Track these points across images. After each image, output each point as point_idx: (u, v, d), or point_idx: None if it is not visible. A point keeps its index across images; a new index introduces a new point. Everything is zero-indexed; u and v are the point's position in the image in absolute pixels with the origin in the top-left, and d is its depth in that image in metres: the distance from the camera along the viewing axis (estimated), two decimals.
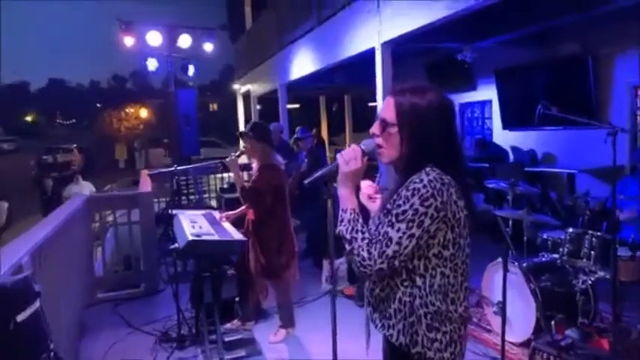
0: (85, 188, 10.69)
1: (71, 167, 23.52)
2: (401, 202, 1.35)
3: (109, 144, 30.84)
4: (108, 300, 4.78)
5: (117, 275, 5.25)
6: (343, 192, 1.43)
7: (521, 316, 3.28)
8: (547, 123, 5.43)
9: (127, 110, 36.16)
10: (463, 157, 1.47)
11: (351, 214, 1.41)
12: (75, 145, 28.07)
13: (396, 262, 1.35)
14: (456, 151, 1.44)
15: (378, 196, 1.66)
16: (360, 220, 1.41)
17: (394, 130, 1.40)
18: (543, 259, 3.58)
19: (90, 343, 3.84)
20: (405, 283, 1.41)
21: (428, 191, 1.33)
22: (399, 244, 1.34)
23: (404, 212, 1.34)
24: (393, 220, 1.35)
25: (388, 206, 1.41)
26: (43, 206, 12.00)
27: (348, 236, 1.39)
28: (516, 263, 3.21)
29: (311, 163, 5.61)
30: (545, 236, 3.74)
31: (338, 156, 1.43)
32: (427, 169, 1.38)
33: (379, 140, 1.43)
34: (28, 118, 68.01)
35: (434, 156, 1.39)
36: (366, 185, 1.67)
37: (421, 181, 1.34)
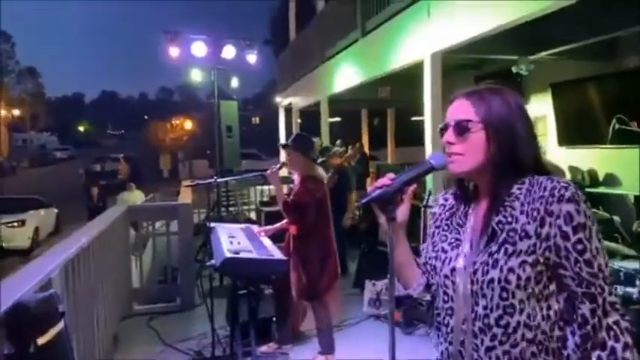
0: (138, 197, 10.93)
1: (118, 176, 24.41)
2: (559, 221, 1.05)
3: (155, 154, 31.82)
4: (144, 313, 4.69)
5: (154, 288, 5.18)
6: None
7: None
8: (614, 141, 4.98)
9: (172, 122, 37.33)
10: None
11: None
12: (122, 155, 29.19)
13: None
14: (542, 158, 1.18)
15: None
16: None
17: (477, 129, 1.14)
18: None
19: (122, 359, 3.73)
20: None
21: (577, 193, 1.06)
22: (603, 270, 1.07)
23: (584, 227, 1.05)
24: (581, 248, 1.05)
25: (502, 235, 1.10)
26: (89, 213, 12.32)
27: None
28: None
29: (337, 180, 5.50)
30: (616, 266, 3.34)
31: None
32: (541, 177, 1.11)
33: (457, 148, 1.16)
34: (81, 128, 71.51)
35: (534, 161, 1.14)
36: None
37: (568, 185, 1.07)
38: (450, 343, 1.18)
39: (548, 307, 1.09)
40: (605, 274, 1.06)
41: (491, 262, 1.10)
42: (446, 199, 1.30)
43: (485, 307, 1.11)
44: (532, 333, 1.08)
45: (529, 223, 1.08)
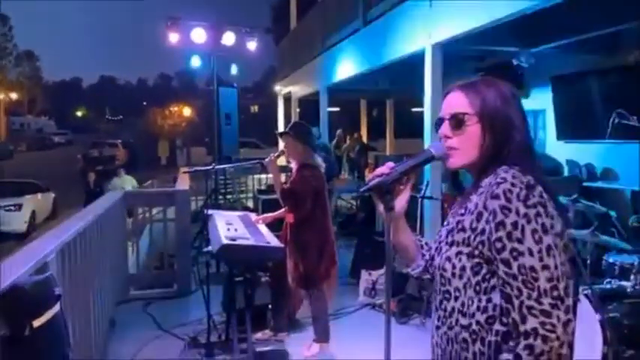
0: (128, 182, 10.88)
1: (115, 161, 24.35)
2: (492, 218, 1.03)
3: (153, 141, 31.64)
4: (140, 298, 4.71)
5: (150, 273, 5.18)
6: None
7: (584, 349, 2.92)
8: (613, 135, 4.97)
9: (171, 108, 37.17)
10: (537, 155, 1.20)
11: None
12: (119, 141, 29.08)
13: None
14: (532, 150, 1.17)
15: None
16: None
17: (473, 122, 1.13)
18: (609, 286, 3.21)
19: (118, 343, 3.75)
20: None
21: (522, 188, 1.02)
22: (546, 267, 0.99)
23: (514, 225, 1.00)
24: (506, 242, 1.01)
25: (452, 224, 1.15)
26: (86, 198, 12.29)
27: None
28: (589, 291, 2.85)
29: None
30: (611, 260, 3.36)
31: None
32: (501, 169, 1.08)
33: (453, 142, 1.15)
34: (79, 113, 71.14)
35: (515, 152, 1.11)
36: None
37: (504, 181, 1.04)
38: None
39: (489, 300, 1.08)
40: (531, 277, 0.99)
41: (438, 249, 1.19)
42: None
43: (435, 291, 1.20)
44: (466, 320, 1.11)
45: (471, 215, 1.11)
